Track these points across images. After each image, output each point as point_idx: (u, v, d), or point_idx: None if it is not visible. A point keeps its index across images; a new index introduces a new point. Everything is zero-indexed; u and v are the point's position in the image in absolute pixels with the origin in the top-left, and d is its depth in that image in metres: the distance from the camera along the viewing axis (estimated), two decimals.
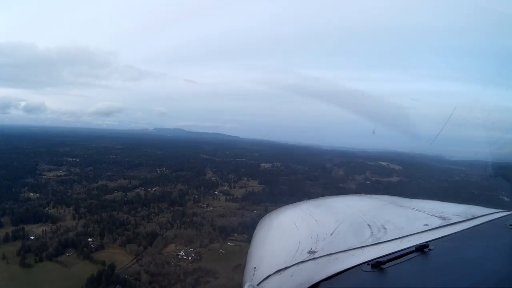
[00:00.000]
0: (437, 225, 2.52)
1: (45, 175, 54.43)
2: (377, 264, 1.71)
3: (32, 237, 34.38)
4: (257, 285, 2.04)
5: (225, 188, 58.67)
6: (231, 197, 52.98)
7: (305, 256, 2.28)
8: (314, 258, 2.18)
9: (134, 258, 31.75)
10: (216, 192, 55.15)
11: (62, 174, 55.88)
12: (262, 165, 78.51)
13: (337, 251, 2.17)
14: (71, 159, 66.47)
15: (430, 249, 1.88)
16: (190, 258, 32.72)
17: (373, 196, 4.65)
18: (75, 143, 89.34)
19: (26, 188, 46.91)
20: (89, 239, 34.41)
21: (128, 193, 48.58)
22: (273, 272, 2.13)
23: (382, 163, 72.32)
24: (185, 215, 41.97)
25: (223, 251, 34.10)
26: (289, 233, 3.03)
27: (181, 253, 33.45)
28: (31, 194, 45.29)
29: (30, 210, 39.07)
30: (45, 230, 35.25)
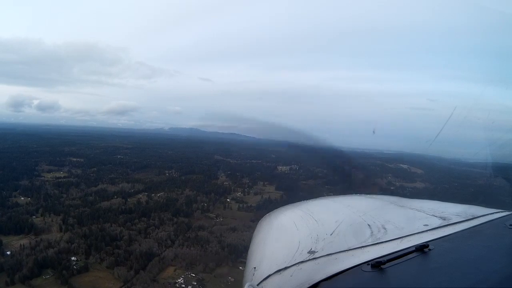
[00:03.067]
0: (437, 225, 2.48)
1: (43, 176, 50.01)
2: (377, 264, 1.69)
3: (8, 252, 29.21)
4: (257, 285, 2.01)
5: (238, 194, 52.68)
6: (245, 205, 46.59)
7: (305, 256, 2.25)
8: (314, 258, 2.15)
9: (122, 286, 25.60)
10: (228, 200, 48.93)
11: (62, 175, 51.25)
12: (279, 167, 73.11)
13: (337, 251, 2.15)
14: (75, 159, 62.22)
15: (430, 249, 1.87)
16: (190, 287, 26.19)
17: (373, 196, 4.47)
18: (84, 142, 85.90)
19: (18, 191, 42.41)
20: (72, 258, 28.67)
21: (128, 199, 42.95)
22: (273, 272, 2.11)
23: (402, 165, 65.92)
24: (189, 229, 35.55)
25: (232, 279, 27.30)
26: (289, 233, 2.99)
27: (180, 279, 26.99)
28: (22, 198, 40.67)
29: (13, 218, 34.02)
30: (23, 245, 29.84)
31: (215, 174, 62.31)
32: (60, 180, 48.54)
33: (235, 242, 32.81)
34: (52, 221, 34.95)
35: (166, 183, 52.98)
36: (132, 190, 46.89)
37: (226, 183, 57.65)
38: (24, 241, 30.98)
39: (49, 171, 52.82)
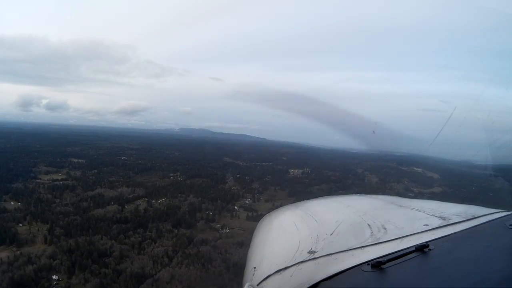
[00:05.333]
0: (437, 225, 2.44)
1: (40, 178, 46.90)
2: (377, 264, 1.69)
3: None
4: (257, 285, 2.00)
5: (247, 201, 48.55)
6: (254, 214, 42.02)
7: (305, 256, 2.24)
8: (314, 258, 2.14)
9: None
10: (235, 207, 44.65)
11: (59, 178, 48.02)
12: (291, 171, 69.65)
13: (337, 251, 2.14)
14: (76, 160, 59.22)
15: (430, 249, 1.86)
16: None
17: (373, 196, 4.46)
18: (89, 143, 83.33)
19: (9, 195, 39.13)
20: (54, 277, 24.76)
21: (126, 206, 39.14)
22: (273, 272, 2.10)
23: (416, 169, 64.78)
24: (191, 243, 31.21)
25: None
26: (289, 233, 2.97)
27: None
28: (12, 203, 37.35)
29: None
30: (1, 259, 26.12)
31: (222, 178, 58.27)
32: (56, 183, 45.25)
33: (242, 259, 28.14)
34: (38, 230, 31.27)
35: (169, 187, 49.10)
36: (132, 196, 43.10)
37: (235, 188, 53.60)
38: (4, 254, 27.34)
39: (46, 173, 49.81)
